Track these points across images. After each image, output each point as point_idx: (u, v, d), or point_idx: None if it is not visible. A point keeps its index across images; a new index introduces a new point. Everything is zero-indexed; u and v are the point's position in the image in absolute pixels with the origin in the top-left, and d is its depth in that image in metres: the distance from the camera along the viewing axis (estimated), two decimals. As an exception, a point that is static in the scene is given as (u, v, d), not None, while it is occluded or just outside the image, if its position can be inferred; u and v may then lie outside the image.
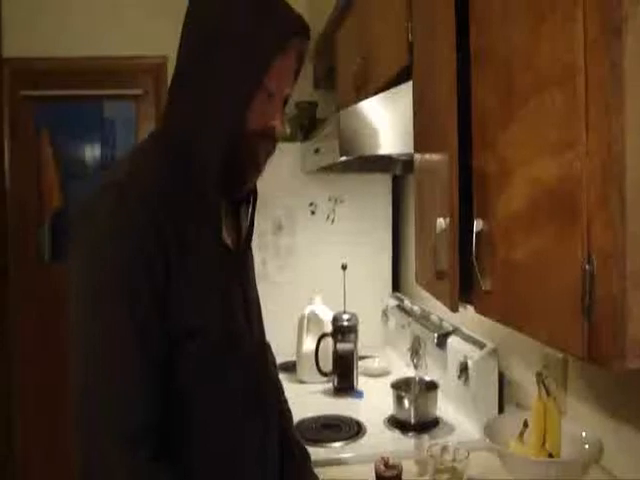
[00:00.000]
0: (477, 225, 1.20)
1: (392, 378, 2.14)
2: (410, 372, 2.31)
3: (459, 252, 1.25)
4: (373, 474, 1.44)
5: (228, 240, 1.20)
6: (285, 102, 1.21)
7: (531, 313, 1.04)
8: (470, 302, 1.27)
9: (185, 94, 1.14)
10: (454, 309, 1.26)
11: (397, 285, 3.04)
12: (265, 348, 1.34)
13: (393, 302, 2.80)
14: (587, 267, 0.87)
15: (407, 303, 2.67)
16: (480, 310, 1.24)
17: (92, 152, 3.67)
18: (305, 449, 1.45)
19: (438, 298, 1.37)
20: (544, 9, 0.97)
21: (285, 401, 1.49)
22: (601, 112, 0.85)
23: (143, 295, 1.02)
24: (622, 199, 0.83)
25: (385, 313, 2.85)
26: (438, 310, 2.20)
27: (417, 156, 1.61)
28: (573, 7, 0.89)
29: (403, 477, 1.44)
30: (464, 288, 1.26)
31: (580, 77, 0.88)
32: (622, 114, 0.83)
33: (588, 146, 0.87)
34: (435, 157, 1.38)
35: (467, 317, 1.48)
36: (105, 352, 1.01)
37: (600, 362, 0.85)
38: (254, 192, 1.27)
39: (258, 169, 1.19)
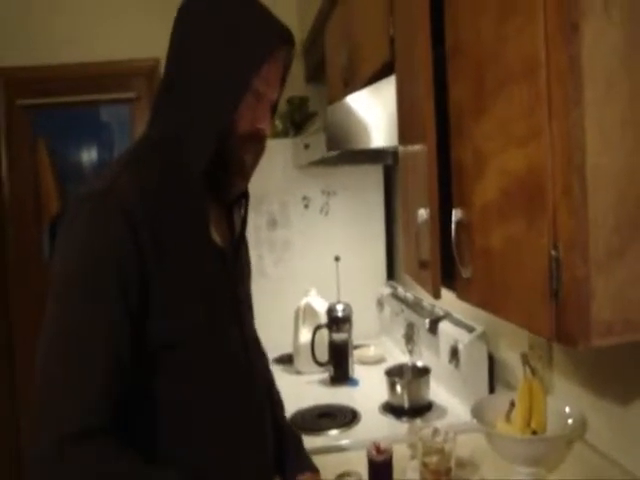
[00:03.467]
0: (456, 215, 1.25)
1: (387, 365, 2.18)
2: (405, 359, 2.36)
3: (441, 241, 1.29)
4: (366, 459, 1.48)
5: (218, 240, 1.21)
6: (274, 109, 1.25)
7: (506, 298, 1.09)
8: (452, 289, 1.31)
9: (173, 96, 1.16)
10: (436, 297, 1.30)
11: (392, 273, 3.08)
12: (256, 344, 1.37)
13: (387, 290, 2.84)
14: (553, 253, 0.91)
15: (401, 291, 2.71)
16: (461, 297, 1.29)
17: (89, 156, 3.69)
18: (297, 434, 1.49)
19: (422, 286, 1.41)
20: (509, 6, 1.02)
21: (277, 392, 1.52)
22: (562, 104, 0.89)
23: (113, 299, 1.02)
24: (584, 187, 0.88)
25: (380, 302, 2.89)
26: (430, 296, 2.24)
27: (401, 148, 1.65)
28: (534, 4, 0.93)
29: (395, 461, 1.48)
30: (446, 276, 1.30)
31: (542, 70, 0.93)
32: (582, 105, 0.87)
33: (551, 136, 0.92)
34: (416, 149, 1.42)
35: (457, 301, 1.52)
36: (62, 349, 1.01)
37: (567, 342, 0.90)
38: (246, 194, 1.29)
39: (245, 172, 1.21)
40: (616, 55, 0.88)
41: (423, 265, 1.34)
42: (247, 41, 1.12)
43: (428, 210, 1.29)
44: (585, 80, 0.87)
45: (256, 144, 1.19)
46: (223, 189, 1.21)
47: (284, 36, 1.18)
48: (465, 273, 1.23)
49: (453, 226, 1.24)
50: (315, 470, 1.41)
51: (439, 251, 1.28)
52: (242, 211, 1.30)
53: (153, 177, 1.12)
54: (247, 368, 1.24)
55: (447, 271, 1.30)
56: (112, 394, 1.01)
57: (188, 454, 1.12)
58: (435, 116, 1.29)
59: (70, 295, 1.03)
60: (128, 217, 1.04)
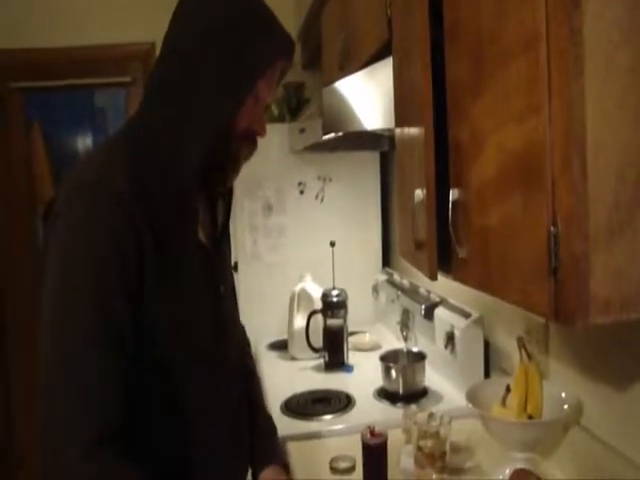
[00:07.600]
0: (453, 194, 1.23)
1: (382, 352, 2.17)
2: (400, 345, 2.35)
3: (437, 222, 1.28)
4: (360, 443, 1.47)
5: (202, 236, 1.22)
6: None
7: (503, 277, 1.07)
8: (448, 271, 1.30)
9: (171, 89, 1.14)
10: (433, 277, 1.29)
11: (387, 260, 3.06)
12: (237, 334, 1.40)
13: (383, 277, 2.83)
14: (552, 229, 0.90)
15: (396, 277, 2.70)
16: (457, 278, 1.27)
17: (84, 141, 3.67)
18: (273, 425, 1.49)
19: (418, 268, 1.39)
20: (508, -20, 1.00)
21: (259, 384, 1.55)
22: (562, 78, 0.87)
23: (115, 295, 1.02)
24: (583, 163, 0.86)
25: (375, 288, 2.88)
26: (426, 282, 2.23)
27: (398, 130, 1.63)
28: (535, -24, 0.91)
29: (390, 445, 1.47)
30: (442, 257, 1.29)
31: (542, 45, 0.91)
32: (582, 79, 0.85)
33: (551, 112, 0.90)
34: (413, 130, 1.40)
35: (453, 287, 1.51)
36: (70, 350, 1.01)
37: (565, 320, 0.88)
38: (230, 188, 1.30)
39: (237, 170, 1.22)
40: (617, 28, 0.86)
41: (419, 246, 1.33)
42: (259, 45, 1.13)
43: (425, 190, 1.28)
44: (586, 54, 0.85)
45: (251, 144, 1.21)
46: (214, 184, 1.22)
47: (290, 50, 1.21)
48: (461, 253, 1.21)
49: (450, 206, 1.22)
50: (284, 464, 1.42)
51: (435, 230, 1.26)
52: (226, 205, 1.31)
53: (142, 170, 1.11)
54: (223, 366, 1.25)
55: (442, 254, 1.28)
56: (119, 395, 1.04)
57: (168, 445, 1.14)
58: (432, 97, 1.27)
59: (72, 298, 1.02)
60: (124, 210, 1.04)
